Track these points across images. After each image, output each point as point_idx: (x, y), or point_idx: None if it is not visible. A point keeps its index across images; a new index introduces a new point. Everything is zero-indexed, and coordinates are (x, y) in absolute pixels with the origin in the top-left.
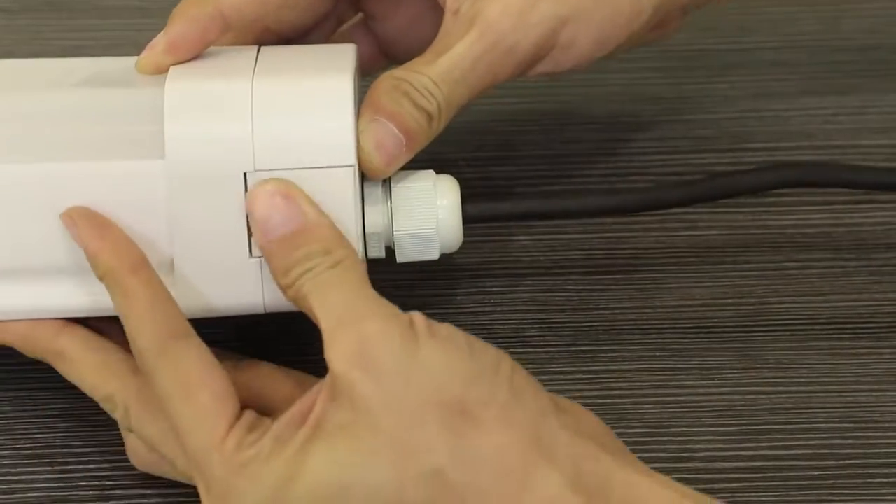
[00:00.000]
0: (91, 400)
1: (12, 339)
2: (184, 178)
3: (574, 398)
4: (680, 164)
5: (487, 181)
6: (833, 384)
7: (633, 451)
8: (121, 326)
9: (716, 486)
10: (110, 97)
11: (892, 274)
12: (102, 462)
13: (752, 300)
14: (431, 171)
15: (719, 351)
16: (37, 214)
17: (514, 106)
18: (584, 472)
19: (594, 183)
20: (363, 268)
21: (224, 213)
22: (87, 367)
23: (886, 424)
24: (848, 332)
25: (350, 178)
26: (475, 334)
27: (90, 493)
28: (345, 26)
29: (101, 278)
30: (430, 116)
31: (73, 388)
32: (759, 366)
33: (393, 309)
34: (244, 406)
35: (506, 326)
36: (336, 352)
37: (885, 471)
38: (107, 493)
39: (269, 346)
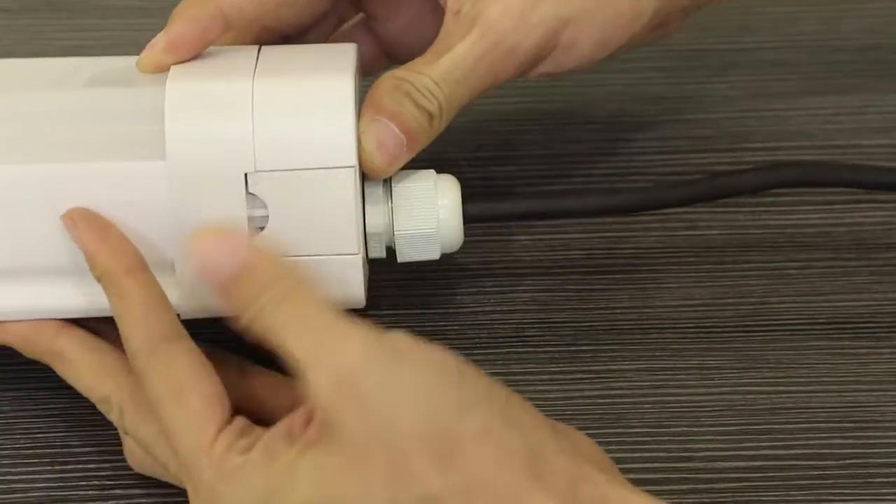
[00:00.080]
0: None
1: (12, 339)
2: (184, 178)
3: (574, 398)
4: (680, 163)
5: (487, 181)
6: (833, 384)
7: (633, 450)
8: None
9: (716, 486)
10: (111, 97)
11: (892, 274)
12: (102, 462)
13: (752, 300)
14: (432, 171)
15: (719, 351)
16: (37, 215)
17: (514, 106)
18: (580, 495)
19: (594, 183)
20: (320, 293)
21: (224, 213)
22: (84, 368)
23: (886, 424)
24: (848, 332)
25: (350, 180)
26: (475, 334)
27: (90, 492)
28: (345, 26)
29: (98, 279)
30: (431, 116)
31: (73, 388)
32: (759, 366)
33: (369, 330)
34: (245, 412)
35: (506, 326)
36: (318, 383)
37: (886, 470)
38: (106, 492)
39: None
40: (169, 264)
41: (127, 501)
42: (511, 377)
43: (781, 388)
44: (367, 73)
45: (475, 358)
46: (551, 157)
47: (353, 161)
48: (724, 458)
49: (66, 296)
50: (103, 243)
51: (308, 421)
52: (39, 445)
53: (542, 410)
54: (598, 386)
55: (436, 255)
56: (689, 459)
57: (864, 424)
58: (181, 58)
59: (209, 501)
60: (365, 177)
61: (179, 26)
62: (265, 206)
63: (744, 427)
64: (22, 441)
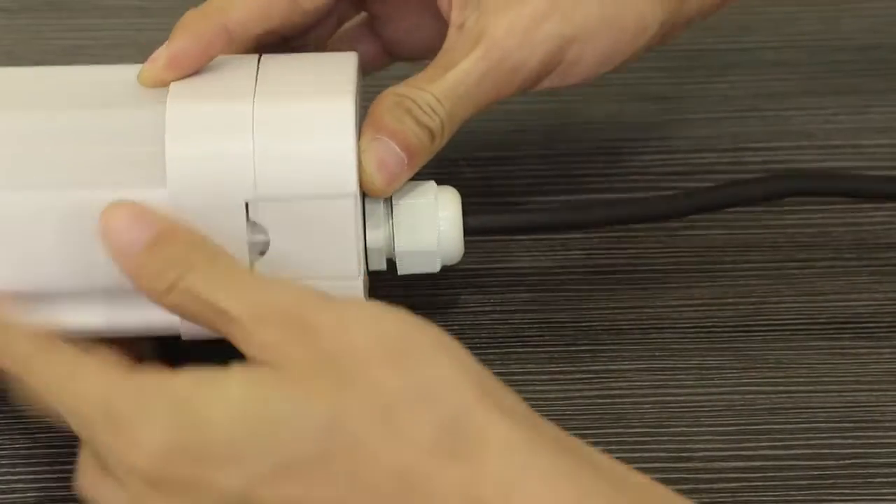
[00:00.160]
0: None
1: None
2: (185, 204)
3: (574, 398)
4: (680, 163)
5: (487, 181)
6: (833, 384)
7: (633, 450)
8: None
9: (715, 485)
10: (110, 116)
11: (892, 274)
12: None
13: (752, 300)
14: (433, 184)
15: (719, 351)
16: (37, 240)
17: (514, 106)
18: (534, 419)
19: (594, 183)
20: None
21: (225, 240)
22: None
23: (886, 424)
24: (848, 332)
25: (351, 208)
26: (475, 334)
27: None
28: (347, 25)
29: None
30: (432, 134)
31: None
32: (758, 366)
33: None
34: None
35: (506, 326)
36: (264, 332)
37: (885, 470)
38: None
39: None
40: None
41: None
42: (511, 377)
43: (781, 388)
44: (369, 72)
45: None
46: (551, 157)
47: (354, 188)
48: (723, 458)
49: (62, 316)
50: None
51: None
52: (39, 445)
53: (542, 410)
54: (597, 386)
55: (436, 269)
56: (688, 459)
57: (863, 424)
58: (183, 73)
59: (124, 419)
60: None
61: (181, 41)
62: (266, 232)
63: (743, 427)
64: (22, 441)
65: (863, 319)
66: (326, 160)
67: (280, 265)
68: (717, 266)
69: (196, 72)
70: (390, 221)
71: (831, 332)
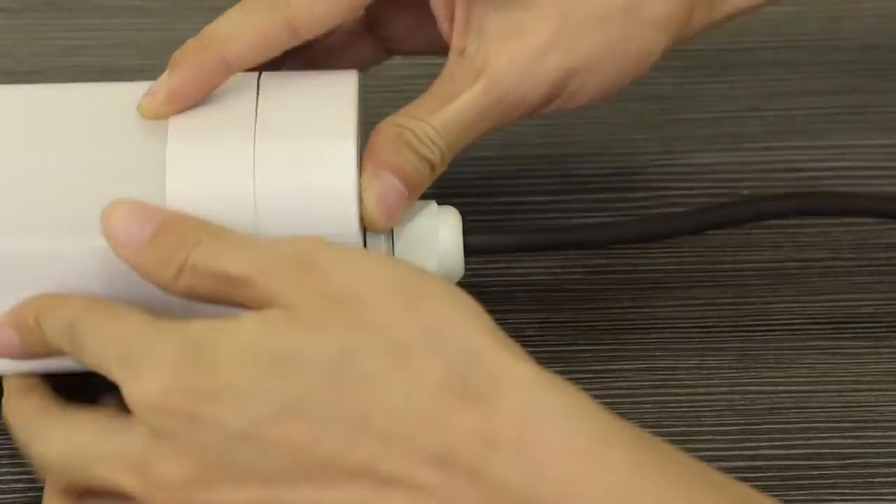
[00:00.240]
0: (90, 400)
1: None
2: None
3: None
4: (680, 163)
5: (488, 181)
6: (833, 384)
7: None
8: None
9: None
10: (109, 154)
11: (892, 274)
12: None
13: (752, 300)
14: (433, 204)
15: (719, 351)
16: (37, 283)
17: None
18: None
19: (594, 182)
20: None
21: None
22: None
23: (886, 424)
24: (848, 332)
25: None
26: None
27: None
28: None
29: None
30: (432, 165)
31: (72, 388)
32: (758, 365)
33: None
34: None
35: (506, 326)
36: (271, 280)
37: (885, 470)
38: None
39: None
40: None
41: None
42: None
43: (781, 387)
44: (367, 68)
45: None
46: (551, 157)
47: (356, 227)
48: (724, 458)
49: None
50: None
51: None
52: None
53: None
54: (598, 386)
55: None
56: None
57: (863, 424)
58: (182, 107)
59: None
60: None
61: (181, 75)
62: None
63: (744, 427)
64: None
65: (863, 319)
66: (328, 200)
67: None
68: (717, 266)
69: (193, 121)
70: (391, 243)
71: (831, 331)
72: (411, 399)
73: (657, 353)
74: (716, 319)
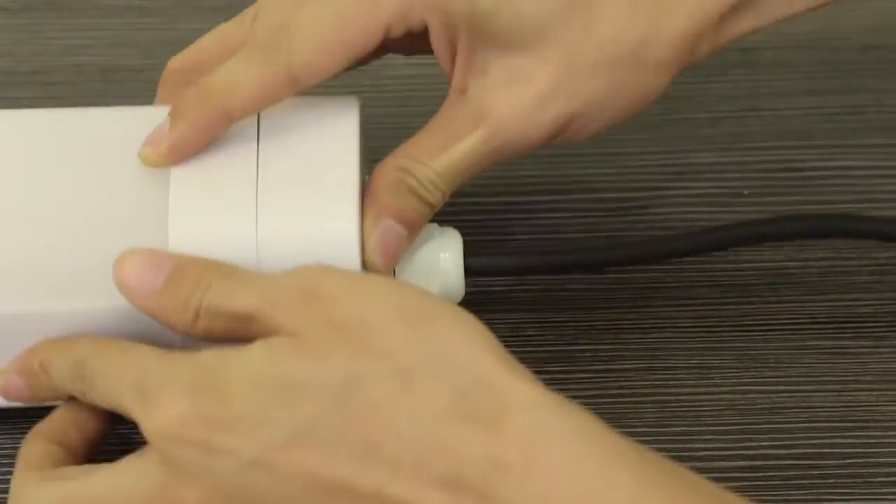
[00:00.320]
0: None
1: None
2: None
3: (574, 398)
4: (680, 163)
5: (488, 181)
6: (833, 383)
7: None
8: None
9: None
10: (111, 204)
11: (892, 274)
12: (101, 461)
13: (752, 300)
14: (434, 226)
15: (719, 350)
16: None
17: None
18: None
19: (594, 183)
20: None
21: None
22: None
23: (886, 423)
24: (848, 331)
25: None
26: None
27: None
28: None
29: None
30: (433, 206)
31: None
32: (759, 365)
33: None
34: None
35: (506, 326)
36: (278, 313)
37: (885, 470)
38: None
39: None
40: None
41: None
42: None
43: (781, 387)
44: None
45: None
46: (551, 157)
47: (358, 270)
48: (724, 458)
49: None
50: None
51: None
52: None
53: None
54: (597, 386)
55: None
56: (689, 459)
57: (863, 424)
58: (183, 158)
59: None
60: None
61: (182, 129)
62: None
63: (744, 426)
64: (22, 441)
65: (863, 319)
66: (330, 247)
67: None
68: (718, 266)
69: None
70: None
71: (831, 331)
72: (418, 423)
73: (657, 353)
74: (716, 319)
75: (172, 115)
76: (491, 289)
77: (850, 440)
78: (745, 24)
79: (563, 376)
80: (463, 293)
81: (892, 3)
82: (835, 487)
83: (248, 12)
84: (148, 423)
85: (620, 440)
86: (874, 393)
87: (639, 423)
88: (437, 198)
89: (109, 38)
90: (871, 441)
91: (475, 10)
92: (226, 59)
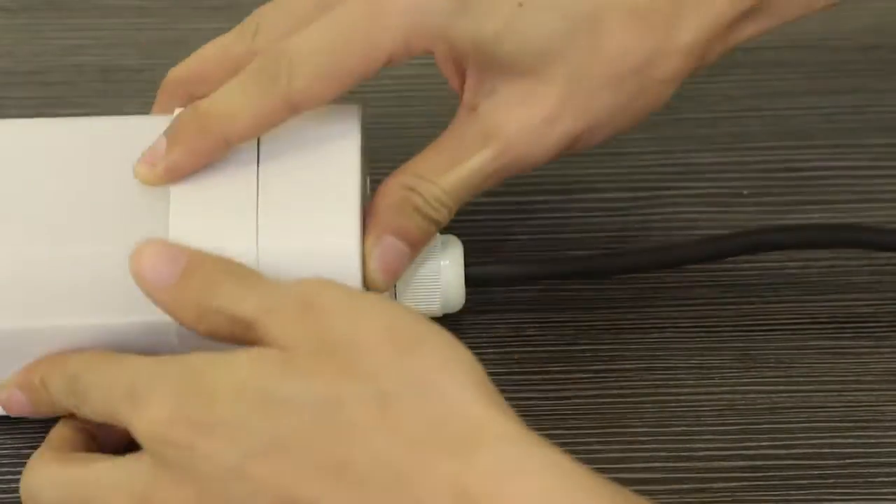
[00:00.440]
0: None
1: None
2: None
3: (574, 398)
4: (680, 163)
5: None
6: (833, 383)
7: (634, 450)
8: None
9: (716, 485)
10: (111, 222)
11: (892, 274)
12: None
13: (753, 300)
14: (436, 236)
15: (719, 350)
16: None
17: None
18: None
19: (594, 183)
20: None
21: None
22: None
23: (887, 423)
24: (848, 331)
25: None
26: (475, 334)
27: None
28: None
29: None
30: (438, 224)
31: None
32: (759, 365)
33: None
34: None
35: (506, 326)
36: (271, 322)
37: (886, 470)
38: None
39: None
40: None
41: None
42: (511, 377)
43: (781, 387)
44: None
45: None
46: None
47: (358, 286)
48: (724, 458)
49: None
50: None
51: None
52: (39, 445)
53: (542, 410)
54: (598, 386)
55: (437, 315)
56: (689, 459)
57: (864, 424)
58: (179, 179)
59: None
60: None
61: (180, 153)
62: None
63: (744, 426)
64: (22, 441)
65: (863, 319)
66: (331, 265)
67: None
68: (717, 266)
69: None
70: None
71: (831, 331)
72: (391, 447)
73: (657, 353)
74: (716, 319)
75: (170, 137)
76: (492, 288)
77: (850, 440)
78: (755, 27)
79: (563, 376)
80: (463, 301)
81: (892, 3)
82: (835, 487)
83: (250, 25)
84: (138, 424)
85: (592, 476)
86: (874, 393)
87: (639, 423)
88: (443, 215)
89: (109, 38)
90: (872, 441)
91: (479, 39)
92: (226, 73)
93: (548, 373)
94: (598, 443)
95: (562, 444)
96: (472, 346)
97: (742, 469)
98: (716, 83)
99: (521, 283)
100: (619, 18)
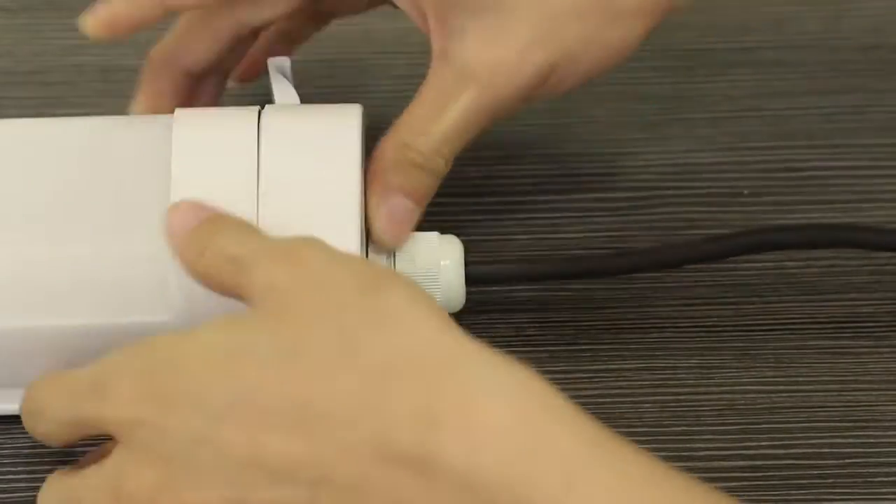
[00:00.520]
0: None
1: None
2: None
3: (574, 398)
4: (680, 163)
5: (488, 180)
6: (833, 383)
7: None
8: None
9: (716, 485)
10: (110, 215)
11: (892, 274)
12: None
13: (752, 300)
14: (435, 235)
15: (719, 350)
16: (43, 364)
17: None
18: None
19: (594, 182)
20: None
21: None
22: None
23: (886, 423)
24: (848, 331)
25: None
26: (475, 334)
27: None
28: None
29: None
30: (437, 174)
31: None
32: (759, 365)
33: None
34: None
35: (506, 326)
36: (262, 267)
37: (885, 470)
38: None
39: None
40: None
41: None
42: None
43: (781, 387)
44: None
45: None
46: (551, 156)
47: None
48: (724, 458)
49: None
50: None
51: None
52: (39, 445)
53: None
54: (598, 386)
55: None
56: (689, 459)
57: (863, 423)
58: (118, 31)
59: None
60: (369, 246)
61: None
62: None
63: (744, 426)
64: (22, 441)
65: (863, 319)
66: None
67: None
68: (717, 265)
69: (196, 164)
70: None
71: (831, 331)
72: (352, 380)
73: (657, 353)
74: (716, 319)
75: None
76: (491, 289)
77: (849, 440)
78: None
79: (563, 376)
80: (463, 301)
81: (893, 2)
82: (834, 487)
83: None
84: (106, 412)
85: (559, 396)
86: (874, 393)
87: (639, 423)
88: (440, 166)
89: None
90: (871, 441)
91: None
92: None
93: (548, 373)
94: None
95: None
96: None
97: (742, 469)
98: (716, 83)
99: (521, 283)
100: None
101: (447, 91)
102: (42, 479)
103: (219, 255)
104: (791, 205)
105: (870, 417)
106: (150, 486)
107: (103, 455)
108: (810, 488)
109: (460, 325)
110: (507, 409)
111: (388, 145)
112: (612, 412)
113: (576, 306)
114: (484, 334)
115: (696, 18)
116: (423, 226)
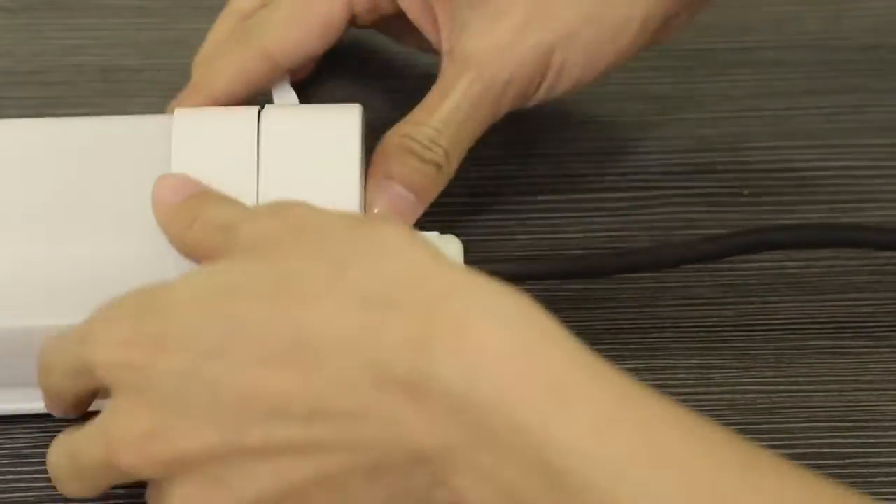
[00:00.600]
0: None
1: None
2: None
3: None
4: (680, 163)
5: (488, 180)
6: (833, 383)
7: None
8: None
9: None
10: (111, 213)
11: (892, 274)
12: None
13: (753, 300)
14: (435, 235)
15: (719, 350)
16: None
17: None
18: None
19: (594, 182)
20: None
21: None
22: None
23: (886, 423)
24: (848, 331)
25: None
26: None
27: None
28: None
29: None
30: (437, 165)
31: None
32: (759, 365)
33: None
34: None
35: None
36: (251, 224)
37: (885, 470)
38: (108, 491)
39: None
40: None
41: (128, 500)
42: None
43: (782, 387)
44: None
45: None
46: (551, 156)
47: None
48: None
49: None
50: None
51: None
52: (39, 445)
53: None
54: None
55: None
56: None
57: (863, 423)
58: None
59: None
60: None
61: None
62: None
63: (744, 426)
64: (22, 441)
65: (863, 319)
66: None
67: None
68: (717, 266)
69: (196, 164)
70: None
71: (831, 331)
72: (342, 311)
73: (657, 353)
74: (716, 319)
75: (170, 112)
76: None
77: (850, 440)
78: None
79: None
80: None
81: (893, 2)
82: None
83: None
84: (95, 357)
85: (554, 322)
86: (874, 393)
87: None
88: (439, 154)
89: (109, 38)
90: (871, 441)
91: None
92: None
93: None
94: None
95: None
96: None
97: None
98: (716, 83)
99: (521, 282)
100: None
101: (447, 81)
102: (42, 479)
103: (207, 224)
104: (791, 205)
105: (870, 417)
106: (142, 432)
107: None
108: None
109: None
110: (505, 335)
111: (390, 137)
112: None
113: (576, 306)
114: None
115: (697, 18)
116: (423, 226)
